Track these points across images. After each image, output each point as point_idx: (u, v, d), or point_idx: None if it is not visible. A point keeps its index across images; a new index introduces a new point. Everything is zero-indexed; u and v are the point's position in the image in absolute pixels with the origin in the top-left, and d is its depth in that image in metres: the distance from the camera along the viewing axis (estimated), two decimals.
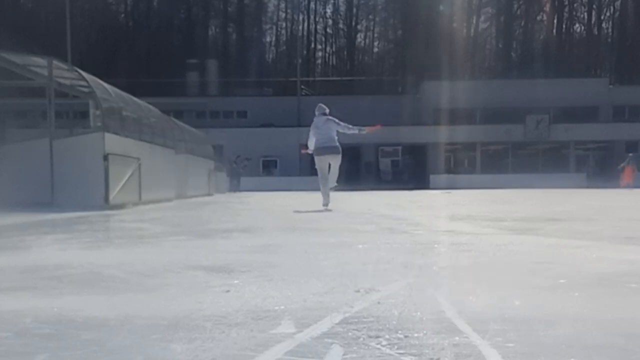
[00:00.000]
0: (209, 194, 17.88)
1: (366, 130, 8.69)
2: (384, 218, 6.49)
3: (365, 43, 54.69)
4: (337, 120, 8.38)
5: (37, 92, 12.02)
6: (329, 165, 8.35)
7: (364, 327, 1.52)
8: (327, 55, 55.57)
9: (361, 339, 1.41)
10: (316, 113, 8.53)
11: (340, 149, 8.29)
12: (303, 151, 9.29)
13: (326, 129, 8.25)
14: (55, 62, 9.56)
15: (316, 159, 8.39)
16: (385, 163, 34.90)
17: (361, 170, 32.20)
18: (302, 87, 39.07)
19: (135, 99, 12.33)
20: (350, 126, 8.45)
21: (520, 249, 3.28)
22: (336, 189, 8.51)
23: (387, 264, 2.67)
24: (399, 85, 47.01)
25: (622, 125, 33.03)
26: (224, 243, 3.83)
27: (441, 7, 49.60)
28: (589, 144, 33.67)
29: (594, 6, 50.72)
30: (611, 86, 37.32)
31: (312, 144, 8.48)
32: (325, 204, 8.20)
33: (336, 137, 8.30)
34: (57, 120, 9.80)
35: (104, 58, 40.55)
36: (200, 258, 2.99)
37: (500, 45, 52.50)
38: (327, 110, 8.45)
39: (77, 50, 27.54)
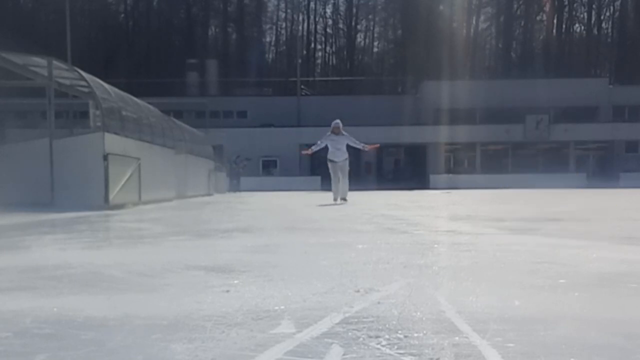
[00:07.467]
0: (208, 194, 17.88)
1: (368, 147, 10.98)
2: (384, 218, 6.48)
3: (365, 43, 54.72)
4: (348, 136, 10.62)
5: (37, 92, 12.02)
6: (339, 170, 10.48)
7: (364, 327, 1.52)
8: (327, 55, 55.61)
9: (361, 339, 1.41)
10: (332, 126, 10.64)
11: (347, 156, 10.56)
12: (304, 152, 11.48)
13: (340, 142, 10.46)
14: (55, 62, 9.55)
15: (330, 165, 10.58)
16: (388, 162, 35.10)
17: (361, 170, 32.23)
18: (302, 87, 39.08)
19: (135, 99, 12.33)
20: (357, 142, 10.70)
21: (520, 249, 3.27)
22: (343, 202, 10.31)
23: (387, 264, 2.67)
24: (399, 85, 47.05)
25: (622, 125, 33.00)
26: (223, 243, 3.82)
27: (441, 7, 49.61)
28: (589, 144, 33.63)
29: (594, 6, 50.74)
30: (611, 86, 37.32)
31: (316, 148, 10.72)
32: (335, 199, 10.44)
33: (345, 149, 10.55)
34: (57, 120, 9.80)
35: (104, 58, 40.52)
36: (200, 258, 2.99)
37: (500, 45, 52.51)
38: (341, 126, 10.64)
39: (77, 50, 27.52)
